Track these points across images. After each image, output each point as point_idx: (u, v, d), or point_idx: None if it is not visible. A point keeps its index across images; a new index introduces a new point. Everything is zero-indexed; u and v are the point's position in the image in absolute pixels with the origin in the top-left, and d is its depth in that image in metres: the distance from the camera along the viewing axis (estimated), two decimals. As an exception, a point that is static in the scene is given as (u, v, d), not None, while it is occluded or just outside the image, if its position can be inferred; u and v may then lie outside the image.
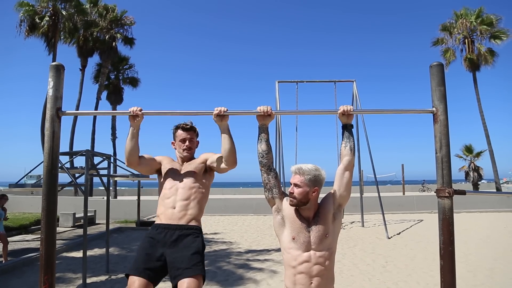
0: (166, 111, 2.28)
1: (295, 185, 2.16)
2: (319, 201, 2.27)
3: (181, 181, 2.51)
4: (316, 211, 2.21)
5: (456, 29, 23.10)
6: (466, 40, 22.97)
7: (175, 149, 2.68)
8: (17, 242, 9.40)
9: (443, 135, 1.98)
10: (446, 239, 1.92)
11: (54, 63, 2.13)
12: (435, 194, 1.98)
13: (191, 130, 2.66)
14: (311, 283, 2.12)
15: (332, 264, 2.21)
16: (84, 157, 5.98)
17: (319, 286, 2.13)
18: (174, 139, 2.68)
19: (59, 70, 2.12)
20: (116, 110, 24.92)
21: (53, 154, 2.04)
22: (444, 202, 1.92)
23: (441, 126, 1.99)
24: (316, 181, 2.17)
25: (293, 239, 2.16)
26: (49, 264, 1.95)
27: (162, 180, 2.59)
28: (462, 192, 2.01)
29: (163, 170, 2.60)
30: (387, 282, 5.81)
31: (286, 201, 2.25)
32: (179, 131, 2.64)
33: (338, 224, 2.25)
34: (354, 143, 2.30)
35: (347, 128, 2.29)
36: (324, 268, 2.14)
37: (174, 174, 2.56)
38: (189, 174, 2.55)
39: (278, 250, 8.25)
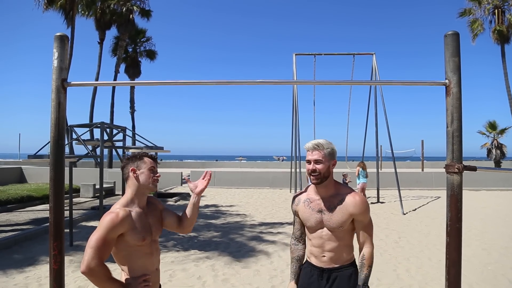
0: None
1: (317, 161, 2.11)
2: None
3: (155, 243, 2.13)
4: (335, 194, 2.19)
5: (485, -1, 21.95)
6: (496, 10, 21.84)
7: (135, 177, 2.05)
8: (40, 211, 9.79)
9: (455, 108, 1.88)
10: (453, 216, 1.86)
11: (58, 34, 2.09)
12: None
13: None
14: (324, 256, 2.29)
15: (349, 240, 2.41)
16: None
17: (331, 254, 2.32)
18: (137, 167, 2.07)
19: (63, 41, 2.08)
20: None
21: (59, 125, 2.04)
22: (453, 178, 1.85)
23: (453, 99, 1.88)
24: (333, 154, 2.16)
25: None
26: (58, 231, 2.00)
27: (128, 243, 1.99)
28: (473, 168, 1.93)
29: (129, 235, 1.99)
30: (398, 257, 5.81)
31: (296, 206, 2.30)
32: (147, 159, 2.12)
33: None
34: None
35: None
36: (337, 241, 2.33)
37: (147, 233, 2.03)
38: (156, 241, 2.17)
39: (291, 223, 8.32)
